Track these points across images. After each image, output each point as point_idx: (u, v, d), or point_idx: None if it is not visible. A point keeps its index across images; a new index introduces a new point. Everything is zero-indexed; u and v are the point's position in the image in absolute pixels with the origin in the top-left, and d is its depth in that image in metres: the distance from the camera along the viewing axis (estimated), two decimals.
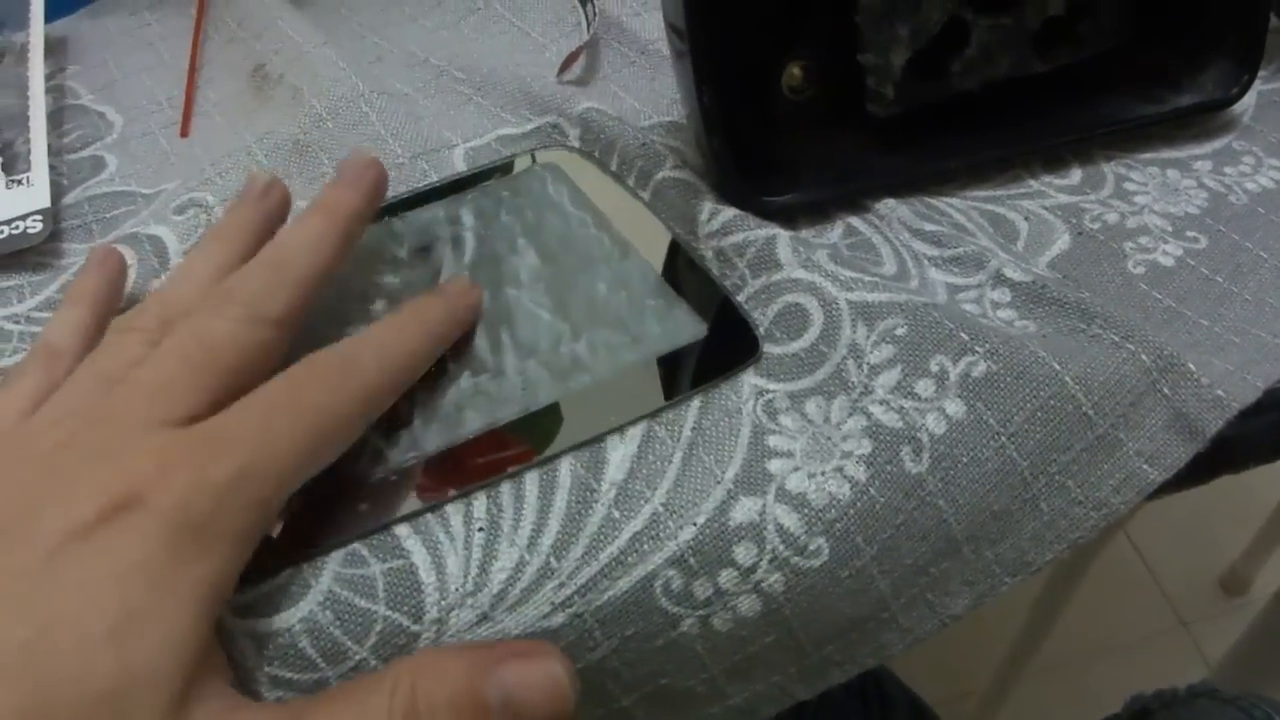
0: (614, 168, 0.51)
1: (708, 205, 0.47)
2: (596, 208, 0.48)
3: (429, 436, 0.40)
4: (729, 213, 0.47)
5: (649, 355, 0.43)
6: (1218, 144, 0.53)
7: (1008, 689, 1.20)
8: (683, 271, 0.46)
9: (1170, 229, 0.48)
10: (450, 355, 0.43)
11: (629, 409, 0.41)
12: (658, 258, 0.46)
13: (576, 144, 0.53)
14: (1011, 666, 1.18)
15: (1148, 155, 0.52)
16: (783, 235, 0.45)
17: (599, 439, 0.40)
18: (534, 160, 0.51)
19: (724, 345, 0.43)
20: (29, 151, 0.55)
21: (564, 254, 0.47)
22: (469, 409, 0.41)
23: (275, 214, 0.44)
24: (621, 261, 0.46)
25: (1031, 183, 0.50)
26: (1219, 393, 0.41)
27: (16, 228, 0.50)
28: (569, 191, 0.49)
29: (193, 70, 0.61)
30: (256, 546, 0.34)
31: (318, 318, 0.44)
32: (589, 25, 0.60)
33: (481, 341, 0.43)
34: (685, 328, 0.43)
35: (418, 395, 0.41)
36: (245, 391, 0.35)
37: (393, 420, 0.40)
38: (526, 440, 0.40)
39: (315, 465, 0.35)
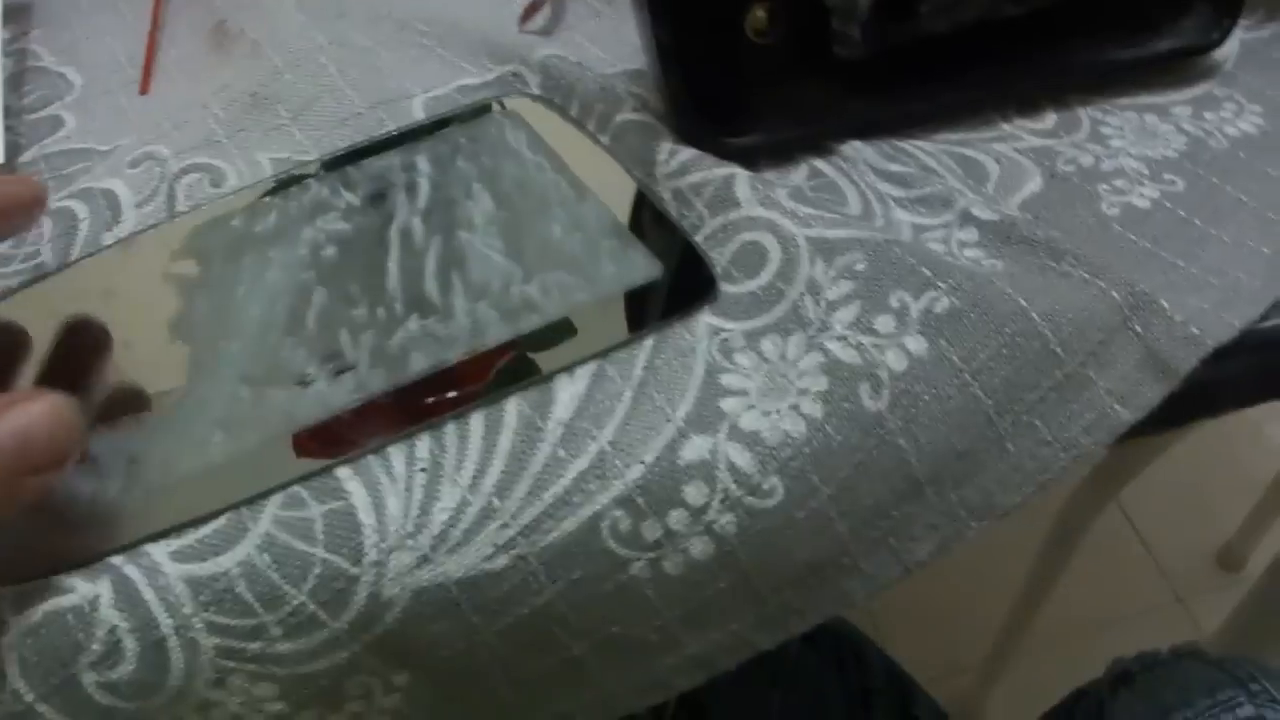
0: (574, 113, 0.50)
1: (666, 146, 0.46)
2: (555, 152, 0.47)
3: (374, 378, 0.39)
4: (688, 153, 0.45)
5: (602, 295, 0.41)
6: (1198, 90, 0.51)
7: (1003, 664, 1.19)
8: (642, 213, 0.45)
9: (1147, 172, 0.47)
10: (400, 298, 0.42)
11: (579, 349, 0.39)
12: (617, 201, 0.45)
13: (537, 91, 0.51)
14: (1006, 641, 1.17)
15: (1125, 100, 0.51)
16: (741, 174, 0.44)
17: (547, 378, 0.39)
18: (494, 108, 0.50)
19: (680, 286, 0.42)
20: None
21: (520, 198, 0.45)
22: (416, 351, 0.40)
23: None
24: (578, 204, 0.45)
25: (1004, 126, 0.49)
26: (1193, 330, 0.40)
27: None
28: (527, 137, 0.48)
29: (154, 28, 0.60)
30: None
31: (271, 267, 0.43)
32: None
33: (431, 284, 0.42)
34: (640, 268, 0.42)
35: (362, 338, 0.40)
36: None
37: (338, 363, 0.40)
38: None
39: None
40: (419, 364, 0.39)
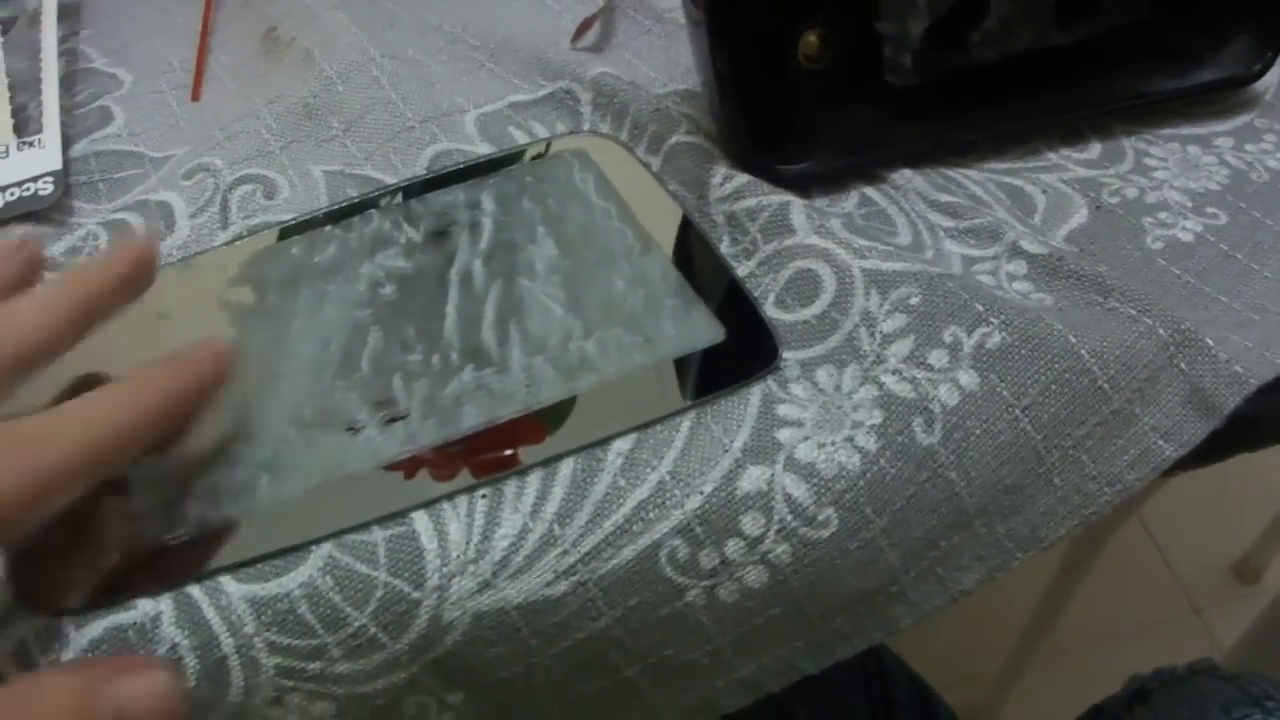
0: (626, 134, 0.50)
1: (720, 170, 0.47)
2: (622, 198, 0.47)
3: (425, 430, 0.39)
4: (742, 178, 0.46)
5: (661, 358, 0.41)
6: (1239, 121, 0.52)
7: (1019, 673, 1.20)
8: (706, 269, 0.44)
9: (1190, 205, 0.47)
10: (456, 346, 0.42)
11: (634, 414, 0.39)
12: (682, 254, 0.45)
13: (589, 108, 0.52)
14: (1023, 650, 1.17)
15: (1168, 131, 0.51)
16: (796, 202, 0.44)
17: (601, 442, 0.39)
18: (563, 145, 0.50)
19: (741, 350, 0.41)
20: (41, 114, 0.54)
21: (584, 246, 0.45)
22: (469, 404, 0.40)
23: (16, 277, 0.39)
24: (642, 257, 0.45)
25: (1050, 156, 0.50)
26: (1237, 369, 0.40)
27: (28, 189, 0.50)
28: (595, 180, 0.48)
29: (204, 33, 0.61)
30: None
31: (328, 303, 0.43)
32: None
33: (489, 334, 0.42)
34: (702, 331, 0.42)
35: (415, 386, 0.41)
36: None
37: (389, 410, 0.40)
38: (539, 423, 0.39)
39: None
40: (471, 419, 0.40)
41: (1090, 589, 1.07)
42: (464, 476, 0.38)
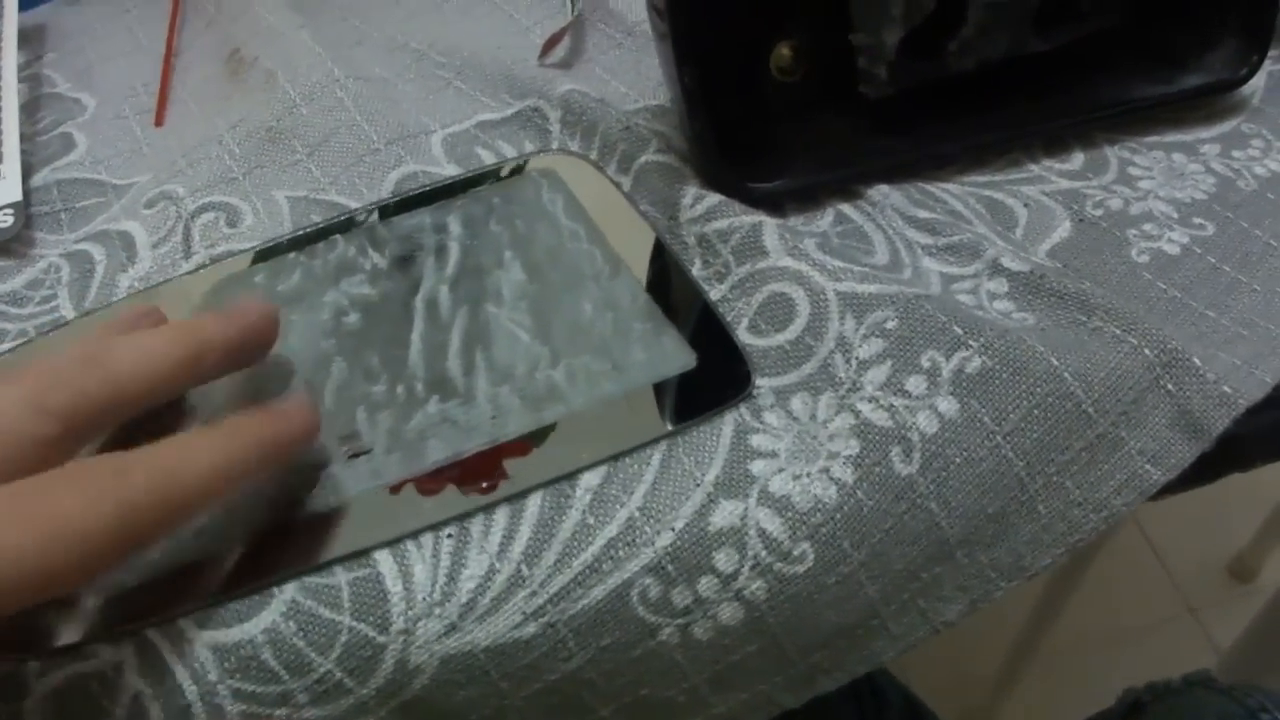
0: (595, 152, 0.49)
1: (691, 190, 0.46)
2: (591, 219, 0.46)
3: (390, 466, 0.38)
4: (714, 198, 0.45)
5: (631, 387, 0.40)
6: (1226, 127, 0.51)
7: (1016, 677, 1.19)
8: (677, 292, 0.43)
9: (1176, 215, 0.46)
10: (420, 376, 0.41)
11: (602, 445, 0.38)
12: (653, 276, 0.44)
13: (557, 126, 0.51)
14: (1019, 654, 1.17)
15: (1153, 138, 0.50)
16: (769, 222, 0.43)
17: (570, 475, 0.38)
18: (532, 164, 0.49)
19: (714, 378, 0.40)
20: (0, 143, 0.53)
21: (552, 269, 0.44)
22: (434, 438, 0.39)
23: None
24: (611, 280, 0.43)
25: (1032, 167, 0.48)
26: (1225, 389, 0.39)
27: None
28: (564, 200, 0.47)
29: (168, 57, 0.60)
30: None
31: (291, 333, 0.42)
32: (573, 6, 0.58)
33: (454, 363, 0.41)
34: (673, 357, 0.41)
35: (379, 418, 0.39)
36: None
37: (353, 445, 0.39)
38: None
39: (50, 584, 0.29)
40: (436, 453, 0.38)
41: (1086, 591, 1.07)
42: (450, 491, 0.37)
